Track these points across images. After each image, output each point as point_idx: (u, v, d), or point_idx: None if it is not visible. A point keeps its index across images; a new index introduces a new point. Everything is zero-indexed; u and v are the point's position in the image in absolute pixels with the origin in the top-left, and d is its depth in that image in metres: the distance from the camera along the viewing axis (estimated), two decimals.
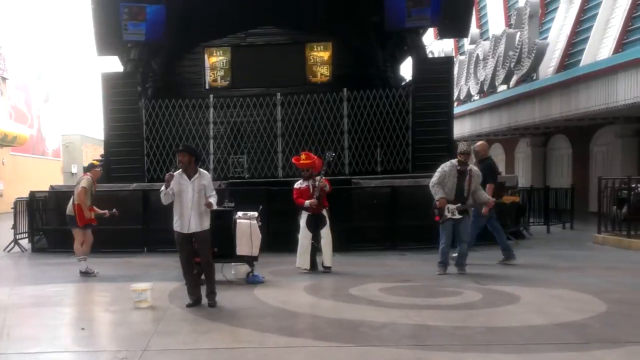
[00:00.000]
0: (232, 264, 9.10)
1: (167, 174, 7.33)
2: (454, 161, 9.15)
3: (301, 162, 9.70)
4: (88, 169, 10.32)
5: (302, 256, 9.59)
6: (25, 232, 13.52)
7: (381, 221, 12.49)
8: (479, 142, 11.10)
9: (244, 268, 8.98)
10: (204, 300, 7.38)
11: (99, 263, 10.54)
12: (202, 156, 8.28)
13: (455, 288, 8.05)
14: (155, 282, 8.18)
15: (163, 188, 7.25)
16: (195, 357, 5.44)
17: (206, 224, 7.33)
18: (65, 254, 10.88)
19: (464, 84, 25.07)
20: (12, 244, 13.25)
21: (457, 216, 9.06)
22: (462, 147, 9.26)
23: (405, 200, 12.44)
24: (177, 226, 7.29)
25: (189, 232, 7.23)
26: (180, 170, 7.29)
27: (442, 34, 18.49)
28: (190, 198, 7.18)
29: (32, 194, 13.10)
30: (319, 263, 9.66)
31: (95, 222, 10.00)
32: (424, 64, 16.27)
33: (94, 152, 33.85)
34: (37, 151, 35.13)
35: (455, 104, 24.32)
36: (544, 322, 6.22)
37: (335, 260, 10.08)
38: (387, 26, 16.51)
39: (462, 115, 24.35)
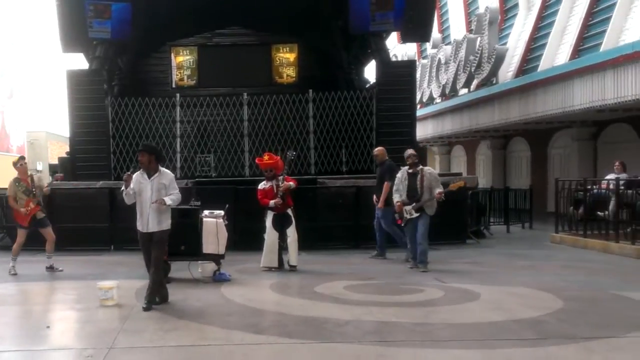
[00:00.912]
0: (199, 262, 9.05)
1: (125, 174, 7.29)
2: (406, 167, 9.71)
3: (264, 162, 9.73)
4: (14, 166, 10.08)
5: (269, 255, 9.61)
6: None
7: (346, 220, 12.58)
8: (378, 148, 11.81)
9: (210, 266, 8.94)
10: (165, 299, 7.32)
11: (65, 261, 10.40)
12: (163, 155, 8.19)
13: (417, 286, 8.17)
14: (122, 280, 8.14)
15: (123, 188, 7.20)
16: (161, 355, 5.42)
17: (165, 225, 7.18)
18: (30, 252, 10.69)
19: (427, 87, 25.37)
20: None
21: (415, 214, 9.43)
22: (405, 153, 9.87)
23: (369, 199, 12.52)
24: (138, 225, 7.22)
25: (147, 231, 7.13)
26: (141, 169, 7.21)
27: (404, 39, 18.68)
28: (148, 197, 7.07)
29: None
30: (285, 262, 9.69)
31: (36, 209, 9.75)
32: (387, 67, 16.49)
33: (60, 150, 33.16)
34: (1, 148, 34.32)
35: (418, 106, 24.59)
36: (503, 318, 6.36)
37: (301, 258, 10.13)
38: (352, 30, 16.69)
39: (425, 117, 24.65)
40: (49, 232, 9.93)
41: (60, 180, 15.89)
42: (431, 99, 25.46)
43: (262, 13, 18.07)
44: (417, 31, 17.02)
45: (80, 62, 17.97)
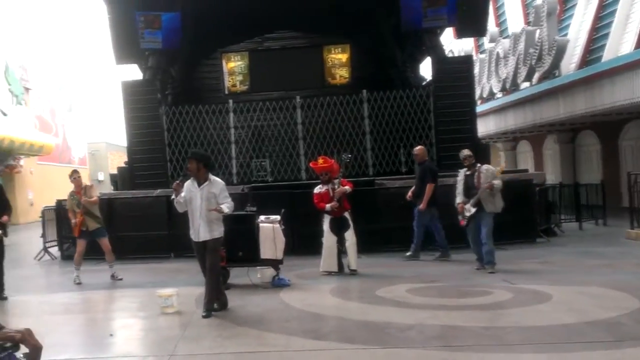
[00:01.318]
0: (258, 267, 9.12)
1: (174, 183, 7.36)
2: (464, 169, 9.71)
3: (319, 166, 9.73)
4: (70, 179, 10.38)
5: (328, 259, 9.60)
6: (55, 240, 13.72)
7: (407, 222, 12.40)
8: (417, 147, 11.75)
9: (269, 272, 9.00)
10: (218, 306, 7.35)
11: (126, 269, 10.76)
12: (212, 162, 8.26)
13: (484, 288, 7.98)
14: (182, 287, 8.26)
15: (173, 196, 7.30)
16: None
17: (216, 233, 7.23)
18: (94, 261, 11.00)
19: (486, 82, 24.88)
20: (42, 252, 13.52)
21: (472, 210, 9.33)
22: (460, 155, 9.78)
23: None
24: (190, 234, 7.31)
25: (199, 240, 7.20)
26: (192, 177, 7.27)
27: (460, 34, 18.47)
28: (198, 205, 7.13)
29: (59, 202, 13.24)
30: (345, 265, 9.65)
31: (79, 223, 10.02)
32: (443, 63, 16.29)
33: (120, 159, 34.15)
34: (63, 160, 35.64)
35: (479, 102, 24.22)
36: (575, 320, 6.14)
37: (362, 262, 10.12)
38: (404, 27, 16.56)
39: (486, 113, 24.19)
40: (104, 243, 10.24)
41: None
42: (492, 94, 24.94)
43: (311, 15, 18.11)
44: (472, 26, 16.82)
45: (136, 72, 18.35)
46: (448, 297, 7.52)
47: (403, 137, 16.25)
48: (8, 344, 1.78)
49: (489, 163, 15.86)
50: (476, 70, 22.40)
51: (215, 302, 7.32)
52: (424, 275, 9.29)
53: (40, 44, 34.02)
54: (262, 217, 9.17)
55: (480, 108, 23.02)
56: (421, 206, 10.78)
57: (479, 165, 9.59)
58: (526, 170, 17.94)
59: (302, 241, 11.51)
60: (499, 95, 24.47)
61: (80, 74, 42.32)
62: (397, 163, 16.25)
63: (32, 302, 8.77)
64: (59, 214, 13.15)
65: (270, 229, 8.90)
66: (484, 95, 25.30)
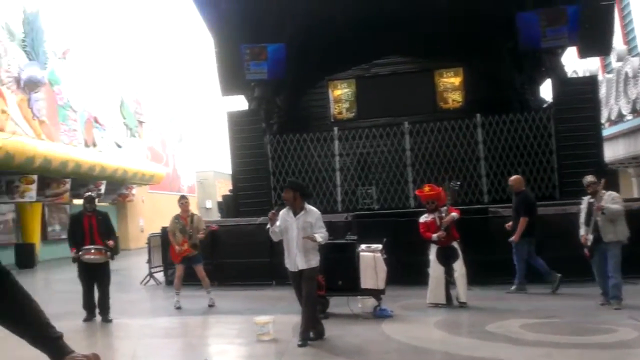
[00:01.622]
0: (358, 297, 8.93)
1: (270, 213, 7.34)
2: (587, 197, 9.06)
3: (425, 194, 9.50)
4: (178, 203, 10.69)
5: (435, 290, 9.26)
6: (160, 266, 14.26)
7: None
8: (513, 177, 11.46)
9: (370, 301, 8.81)
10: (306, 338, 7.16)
11: (227, 296, 10.99)
12: (309, 191, 8.22)
13: (608, 325, 7.36)
14: (280, 314, 8.25)
15: (268, 226, 7.30)
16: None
17: (313, 262, 7.15)
18: (196, 287, 11.25)
19: (614, 104, 23.63)
20: (148, 277, 14.10)
21: (590, 238, 8.75)
22: (584, 181, 9.14)
23: (551, 229, 11.72)
24: (286, 263, 7.30)
25: (296, 270, 7.16)
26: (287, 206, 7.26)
27: (583, 53, 17.61)
28: (295, 236, 7.10)
29: (164, 229, 13.72)
30: (454, 297, 9.26)
31: (188, 251, 10.25)
32: (564, 85, 15.72)
33: (227, 187, 35.54)
34: (173, 188, 37.41)
35: (606, 124, 23.00)
36: None
37: (473, 294, 9.77)
38: (521, 48, 16.17)
39: (615, 136, 22.97)
40: (199, 270, 10.43)
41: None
42: (620, 116, 23.62)
43: (422, 40, 17.99)
44: (596, 45, 16.24)
45: (242, 102, 19.00)
46: (566, 335, 6.98)
47: (521, 163, 15.62)
48: None
49: (617, 190, 15.01)
50: (603, 91, 21.39)
51: (312, 331, 7.21)
52: (540, 310, 8.72)
53: (153, 78, 36.16)
54: (363, 246, 9.01)
55: (608, 131, 21.85)
56: (513, 238, 10.46)
57: (603, 192, 8.92)
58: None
59: (407, 271, 11.13)
60: (629, 117, 23.11)
61: (189, 105, 44.57)
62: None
63: (135, 325, 9.08)
64: (164, 241, 13.59)
65: (371, 258, 8.71)
66: (612, 118, 24.03)
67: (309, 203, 7.45)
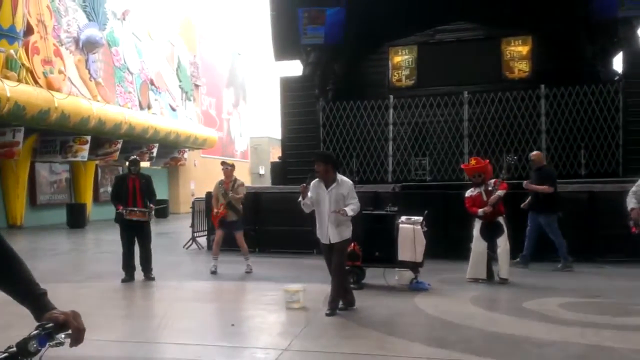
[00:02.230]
0: (397, 269, 9.02)
1: (301, 186, 7.35)
2: None
3: (470, 167, 9.43)
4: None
5: (475, 266, 9.24)
6: (204, 231, 14.66)
7: (577, 229, 11.63)
8: (535, 152, 11.46)
9: (408, 274, 8.87)
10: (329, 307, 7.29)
11: (266, 263, 11.29)
12: (340, 162, 8.21)
13: None
14: (315, 284, 8.39)
15: (300, 199, 7.32)
16: None
17: (346, 234, 7.22)
18: (237, 253, 11.56)
19: None
20: (190, 241, 14.51)
21: None
22: None
23: (608, 207, 11.48)
24: (318, 234, 7.40)
25: (327, 242, 7.25)
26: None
27: None
28: (327, 208, 7.14)
29: (208, 194, 14.06)
30: (495, 274, 9.23)
31: (223, 213, 10.52)
32: (636, 57, 15.15)
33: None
34: (226, 153, 38.09)
35: None
36: None
37: (518, 270, 9.82)
38: (596, 17, 15.69)
39: None
40: (239, 236, 10.70)
41: None
42: None
43: (489, 5, 17.59)
44: None
45: (298, 68, 19.08)
46: (605, 315, 6.87)
47: (585, 137, 15.30)
48: (50, 325, 1.91)
49: None
50: None
51: (342, 301, 7.35)
52: (584, 289, 8.62)
53: (211, 40, 36.64)
54: (403, 218, 9.06)
55: None
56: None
57: None
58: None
59: (453, 245, 11.16)
60: None
61: (247, 69, 44.98)
62: (576, 165, 15.31)
63: (170, 287, 9.40)
64: (208, 206, 13.94)
65: (410, 230, 8.75)
66: None
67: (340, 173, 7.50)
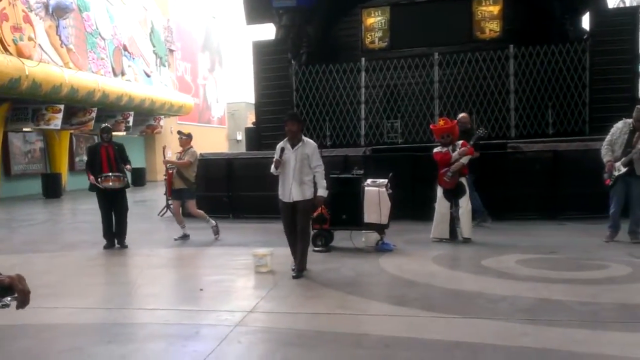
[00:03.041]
0: (363, 231, 9.28)
1: (275, 161, 7.50)
2: (629, 120, 9.00)
3: (439, 127, 9.61)
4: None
5: (439, 226, 9.54)
6: None
7: (540, 188, 11.99)
8: (463, 114, 11.59)
9: (374, 236, 9.14)
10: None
11: (239, 229, 11.54)
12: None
13: (603, 261, 7.59)
14: (285, 247, 8.58)
15: (273, 169, 7.54)
16: (294, 320, 5.70)
17: (308, 194, 7.48)
18: (214, 218, 11.66)
19: None
20: (164, 209, 14.69)
21: (623, 170, 8.85)
22: (638, 113, 8.85)
23: (572, 165, 11.85)
24: (280, 194, 7.64)
25: (290, 201, 7.49)
26: (285, 139, 7.55)
27: None
28: (292, 167, 7.40)
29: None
30: (459, 233, 9.54)
31: (168, 181, 11.04)
32: (602, 15, 15.58)
33: None
34: (203, 119, 38.08)
35: None
36: None
37: (483, 229, 10.24)
38: None
39: None
40: (190, 205, 10.94)
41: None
42: None
43: None
44: None
45: (272, 31, 19.01)
46: (558, 270, 7.21)
47: (552, 97, 15.60)
48: None
49: None
50: None
51: (305, 263, 7.63)
52: (543, 245, 8.95)
53: (184, 4, 36.21)
54: (368, 181, 9.30)
55: None
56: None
57: None
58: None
59: (420, 206, 11.43)
60: None
61: (222, 33, 44.58)
62: (544, 125, 15.63)
63: (142, 255, 9.61)
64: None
65: (375, 193, 9.00)
66: None
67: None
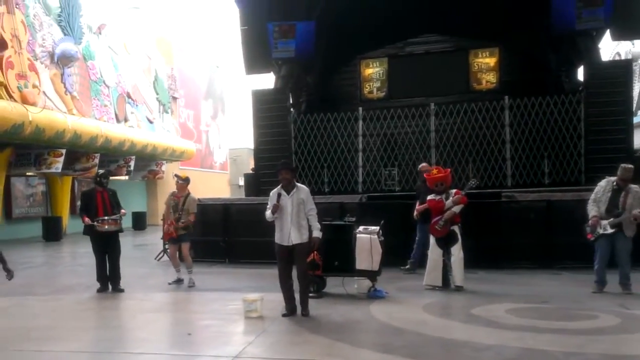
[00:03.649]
0: (355, 278, 9.27)
1: (274, 205, 7.73)
2: (612, 178, 9.10)
3: (432, 176, 9.66)
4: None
5: (432, 273, 9.53)
6: None
7: (535, 237, 11.97)
8: (423, 164, 12.20)
9: (366, 282, 9.12)
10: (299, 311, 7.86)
11: (234, 274, 11.62)
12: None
13: (593, 311, 7.55)
14: (276, 293, 8.58)
15: (269, 214, 7.80)
16: None
17: (305, 237, 7.79)
18: (208, 264, 11.70)
19: None
20: (162, 253, 14.61)
21: (609, 231, 8.88)
22: (622, 172, 8.96)
23: (566, 215, 11.83)
24: (277, 238, 7.87)
25: (289, 244, 7.74)
26: (280, 185, 7.84)
27: (615, 36, 17.43)
28: (290, 212, 7.70)
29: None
30: (451, 281, 9.50)
31: (173, 234, 10.78)
32: (596, 68, 15.73)
33: None
34: (205, 165, 38.30)
35: None
36: None
37: (477, 277, 10.23)
38: (555, 30, 16.17)
39: None
40: (184, 248, 10.86)
41: None
42: None
43: (458, 18, 18.02)
44: (627, 28, 16.12)
45: (272, 80, 19.27)
46: (547, 320, 7.18)
47: (548, 147, 15.72)
48: None
49: None
50: None
51: (286, 307, 7.88)
52: (535, 295, 8.92)
53: (188, 53, 36.83)
54: (360, 228, 9.34)
55: None
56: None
57: (630, 185, 8.93)
58: None
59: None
60: None
61: (225, 81, 45.22)
62: (540, 174, 15.72)
63: (135, 299, 9.57)
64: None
65: (367, 240, 9.03)
66: None
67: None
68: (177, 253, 10.90)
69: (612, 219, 8.83)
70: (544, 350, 5.87)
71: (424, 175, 10.60)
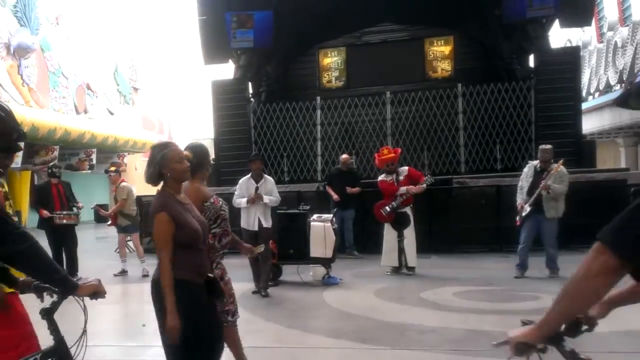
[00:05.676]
0: (311, 265, 9.37)
1: (254, 196, 8.16)
2: (534, 162, 9.28)
3: (383, 157, 9.69)
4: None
5: (388, 254, 9.68)
6: None
7: (486, 222, 12.22)
8: (344, 155, 12.80)
9: (321, 270, 9.23)
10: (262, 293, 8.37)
11: None
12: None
13: (536, 293, 7.77)
14: (236, 282, 8.61)
15: (243, 202, 8.21)
16: (231, 356, 5.73)
17: (269, 223, 8.26)
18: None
19: (603, 74, 23.66)
20: None
21: (527, 210, 8.98)
22: (541, 154, 9.15)
23: (513, 200, 12.07)
24: (243, 224, 8.26)
25: (254, 229, 8.14)
26: (249, 175, 8.36)
27: (563, 24, 17.71)
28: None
29: (139, 198, 14.12)
30: (403, 262, 9.64)
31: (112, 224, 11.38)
32: (546, 55, 16.01)
33: None
34: None
35: (596, 94, 23.10)
36: (613, 329, 5.83)
37: (430, 262, 10.41)
38: (506, 18, 16.33)
39: (601, 107, 22.97)
40: (134, 238, 11.38)
41: None
42: (609, 87, 23.65)
43: (413, 7, 18.09)
44: (575, 16, 16.31)
45: (231, 70, 19.15)
46: (492, 302, 7.39)
47: (500, 133, 15.97)
48: None
49: (594, 161, 15.32)
50: (593, 61, 21.44)
51: (255, 285, 8.46)
52: (483, 278, 9.11)
53: (148, 44, 36.40)
54: (314, 216, 9.45)
55: (596, 101, 21.99)
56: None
57: (554, 164, 9.04)
58: (627, 169, 16.95)
59: (372, 239, 11.54)
60: (617, 87, 23.18)
61: (186, 71, 44.94)
62: (492, 160, 15.98)
63: None
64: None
65: (320, 228, 9.13)
66: (600, 88, 24.09)
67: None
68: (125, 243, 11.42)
69: (529, 198, 8.92)
70: (487, 331, 6.02)
71: (375, 155, 10.59)
